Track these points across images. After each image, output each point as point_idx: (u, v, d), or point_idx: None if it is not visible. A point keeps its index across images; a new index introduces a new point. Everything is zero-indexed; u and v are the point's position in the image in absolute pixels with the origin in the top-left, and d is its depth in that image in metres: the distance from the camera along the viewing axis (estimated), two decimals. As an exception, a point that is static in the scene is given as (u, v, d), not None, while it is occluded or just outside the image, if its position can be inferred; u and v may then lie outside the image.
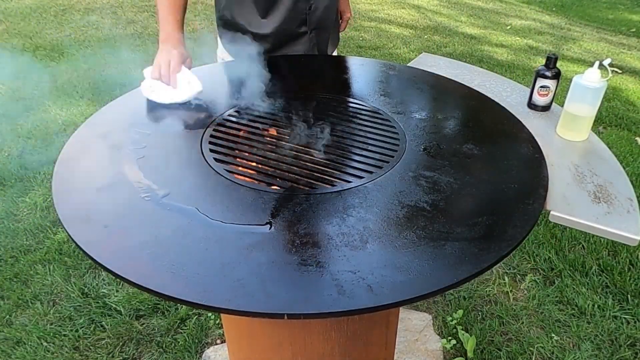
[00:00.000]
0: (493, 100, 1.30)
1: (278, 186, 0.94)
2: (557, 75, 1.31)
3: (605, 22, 6.03)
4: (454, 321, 1.78)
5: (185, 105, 1.23)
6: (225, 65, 1.51)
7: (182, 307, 1.79)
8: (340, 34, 1.67)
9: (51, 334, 1.70)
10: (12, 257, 2.01)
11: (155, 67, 1.22)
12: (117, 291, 1.87)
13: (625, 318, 1.82)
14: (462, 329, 1.74)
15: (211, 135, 1.09)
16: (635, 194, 1.02)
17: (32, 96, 3.22)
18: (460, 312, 1.81)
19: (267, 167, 1.00)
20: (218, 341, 1.71)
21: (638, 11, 6.66)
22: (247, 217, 0.85)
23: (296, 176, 0.97)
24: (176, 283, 0.72)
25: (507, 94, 1.42)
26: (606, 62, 1.17)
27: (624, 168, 1.12)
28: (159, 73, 1.21)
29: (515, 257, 2.09)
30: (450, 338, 1.73)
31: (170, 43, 1.24)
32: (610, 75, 1.17)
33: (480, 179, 0.96)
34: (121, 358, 1.64)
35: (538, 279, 1.99)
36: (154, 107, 1.23)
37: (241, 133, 1.12)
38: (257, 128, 1.14)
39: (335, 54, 1.64)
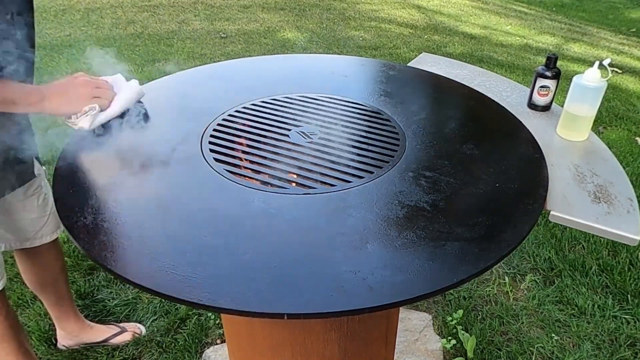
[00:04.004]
0: (493, 100, 1.30)
1: (278, 186, 0.94)
2: (557, 75, 1.31)
3: (605, 22, 6.03)
4: (454, 321, 1.78)
5: (184, 106, 1.23)
6: (227, 65, 1.51)
7: (182, 307, 1.79)
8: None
9: (51, 334, 1.70)
10: (12, 257, 2.01)
11: (84, 92, 1.06)
12: (117, 293, 1.87)
13: (625, 318, 1.82)
14: (462, 329, 1.74)
15: (211, 135, 1.09)
16: (635, 194, 1.02)
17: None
18: (460, 312, 1.81)
19: (267, 167, 1.00)
20: (218, 341, 1.71)
21: (638, 11, 6.66)
22: (247, 217, 0.85)
23: (296, 176, 0.97)
24: (176, 283, 0.72)
25: (507, 94, 1.42)
26: (606, 62, 1.17)
27: (624, 168, 1.12)
28: (96, 90, 1.07)
29: (515, 257, 2.09)
30: (450, 338, 1.73)
31: (52, 85, 1.07)
32: (610, 75, 1.17)
33: (480, 179, 0.96)
34: (121, 358, 1.64)
35: (538, 279, 1.99)
36: (154, 108, 1.22)
37: (241, 133, 1.12)
38: (257, 128, 1.14)
39: None
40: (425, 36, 4.79)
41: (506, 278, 1.98)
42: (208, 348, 1.68)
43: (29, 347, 1.39)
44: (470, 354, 1.67)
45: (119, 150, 1.05)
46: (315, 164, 1.00)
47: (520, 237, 0.82)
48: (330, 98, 1.28)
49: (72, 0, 5.17)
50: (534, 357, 1.68)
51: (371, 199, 0.90)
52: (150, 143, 1.08)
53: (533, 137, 1.12)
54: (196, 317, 1.78)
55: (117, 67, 1.20)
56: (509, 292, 1.93)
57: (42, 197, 1.34)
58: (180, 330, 1.74)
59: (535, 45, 4.79)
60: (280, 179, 0.96)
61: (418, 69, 1.49)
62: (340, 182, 0.95)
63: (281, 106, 1.23)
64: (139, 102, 1.20)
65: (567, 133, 1.22)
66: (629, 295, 1.91)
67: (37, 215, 1.33)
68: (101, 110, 1.10)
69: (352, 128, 1.14)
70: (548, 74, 1.30)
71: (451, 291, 1.91)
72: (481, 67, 1.89)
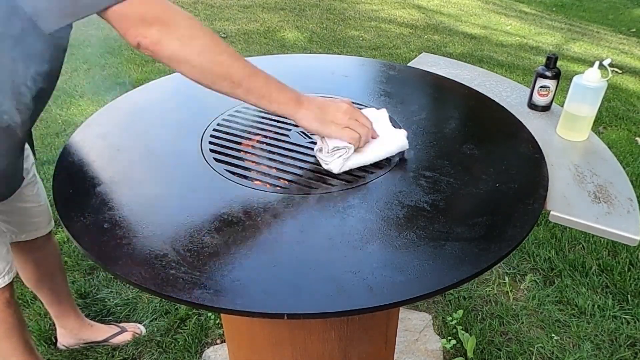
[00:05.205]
0: (493, 100, 1.30)
1: (278, 186, 0.94)
2: (557, 75, 1.31)
3: (605, 22, 6.03)
4: (454, 321, 1.78)
5: (184, 106, 1.23)
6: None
7: (182, 307, 1.79)
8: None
9: (51, 333, 1.70)
10: (12, 257, 2.01)
11: (341, 119, 0.94)
12: (117, 292, 1.87)
13: (625, 318, 1.82)
14: (462, 329, 1.74)
15: (211, 135, 1.09)
16: (635, 194, 1.02)
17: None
18: (460, 312, 1.81)
19: (267, 167, 1.00)
20: (218, 341, 1.71)
21: (638, 11, 6.66)
22: (247, 217, 0.85)
23: (296, 176, 0.97)
24: (176, 283, 0.72)
25: (507, 94, 1.42)
26: (606, 62, 1.17)
27: (624, 168, 1.12)
28: (355, 123, 0.95)
29: (515, 257, 2.09)
30: (450, 338, 1.73)
31: (311, 96, 0.95)
32: (610, 75, 1.17)
33: (480, 179, 0.96)
34: (121, 358, 1.64)
35: (538, 279, 1.99)
36: (154, 107, 1.23)
37: (241, 133, 1.12)
38: (258, 128, 1.14)
39: None
40: (425, 36, 4.79)
41: (506, 278, 1.98)
42: (208, 348, 1.68)
43: (33, 344, 1.40)
44: (470, 354, 1.67)
45: (119, 150, 1.05)
46: (315, 164, 1.00)
47: (520, 237, 0.82)
48: (330, 98, 1.28)
49: (72, 0, 5.16)
50: (534, 357, 1.68)
51: (371, 199, 0.90)
52: (150, 143, 1.08)
53: (533, 137, 1.12)
54: (196, 317, 1.78)
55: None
56: (509, 292, 1.93)
57: (37, 187, 1.36)
58: (180, 330, 1.74)
59: (535, 45, 4.79)
60: (280, 179, 0.96)
61: (418, 69, 1.49)
62: (340, 182, 0.95)
63: (281, 106, 1.23)
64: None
65: (567, 133, 1.22)
66: (629, 295, 1.91)
67: (31, 205, 1.35)
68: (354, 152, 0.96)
69: (352, 128, 1.14)
70: (548, 74, 1.30)
71: (451, 291, 1.91)
72: (481, 67, 1.89)
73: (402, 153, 1.02)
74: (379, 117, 1.04)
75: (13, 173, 1.06)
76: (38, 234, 1.40)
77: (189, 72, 0.84)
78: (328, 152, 0.95)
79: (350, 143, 0.94)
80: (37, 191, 1.35)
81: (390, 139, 1.00)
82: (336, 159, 0.95)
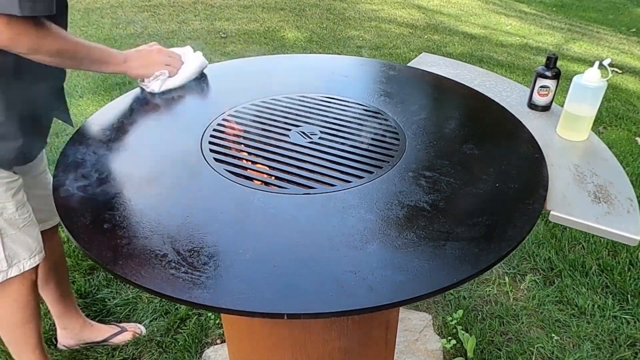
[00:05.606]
0: (493, 100, 1.30)
1: (278, 186, 0.94)
2: (557, 75, 1.31)
3: (605, 22, 6.03)
4: (454, 321, 1.78)
5: (184, 106, 1.23)
6: (227, 65, 1.51)
7: (182, 307, 1.79)
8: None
9: (51, 334, 1.70)
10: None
11: (157, 59, 1.24)
12: (117, 292, 1.87)
13: (625, 318, 1.82)
14: (462, 329, 1.74)
15: (211, 135, 1.10)
16: (635, 194, 1.02)
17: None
18: (460, 312, 1.81)
19: (267, 167, 1.01)
20: (218, 341, 1.71)
21: (638, 11, 6.67)
22: (247, 217, 0.85)
23: (296, 176, 0.97)
24: (176, 283, 0.72)
25: (507, 94, 1.42)
26: (606, 62, 1.17)
27: (624, 168, 1.12)
28: (168, 58, 1.25)
29: (515, 257, 2.09)
30: (450, 338, 1.73)
31: (134, 51, 1.23)
32: (610, 75, 1.17)
33: (480, 179, 0.96)
34: (121, 358, 1.64)
35: (538, 279, 1.99)
36: (154, 107, 1.23)
37: (241, 133, 1.12)
38: (257, 128, 1.14)
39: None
40: (425, 36, 4.79)
41: (506, 278, 1.98)
42: (208, 348, 1.68)
43: (43, 339, 1.42)
44: (470, 354, 1.67)
45: (119, 150, 1.05)
46: (315, 164, 1.00)
47: (520, 237, 0.82)
48: (330, 98, 1.28)
49: (72, 0, 5.16)
50: (534, 357, 1.68)
51: (371, 199, 0.90)
52: (150, 143, 1.08)
53: (533, 137, 1.12)
54: (196, 317, 1.78)
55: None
56: (509, 292, 1.93)
57: (49, 176, 1.40)
58: (180, 330, 1.74)
59: (535, 45, 4.79)
60: (280, 179, 0.96)
61: (418, 69, 1.49)
62: (340, 182, 0.95)
63: (281, 106, 1.23)
64: (203, 73, 1.36)
65: (567, 133, 1.22)
66: (629, 295, 1.91)
67: (48, 192, 1.37)
68: (169, 77, 1.27)
69: (352, 128, 1.14)
70: (548, 74, 1.30)
71: (451, 291, 1.91)
72: (481, 67, 1.89)
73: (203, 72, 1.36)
74: (184, 52, 1.33)
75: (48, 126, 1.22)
76: (53, 223, 1.43)
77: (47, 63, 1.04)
78: (149, 80, 1.24)
79: (169, 72, 1.26)
80: (49, 179, 1.40)
81: (191, 63, 1.31)
82: (154, 81, 1.24)
